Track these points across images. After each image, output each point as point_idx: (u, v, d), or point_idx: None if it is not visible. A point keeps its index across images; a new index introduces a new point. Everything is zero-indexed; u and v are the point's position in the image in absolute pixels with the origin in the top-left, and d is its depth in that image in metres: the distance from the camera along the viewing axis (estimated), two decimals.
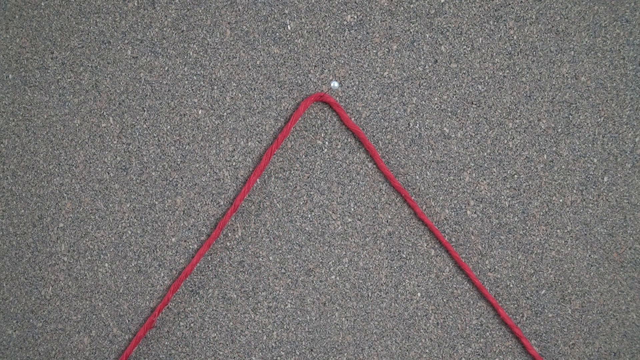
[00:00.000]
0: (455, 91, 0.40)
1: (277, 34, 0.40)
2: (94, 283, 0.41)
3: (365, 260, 0.41)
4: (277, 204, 0.41)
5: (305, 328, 0.41)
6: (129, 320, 0.41)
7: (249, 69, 0.40)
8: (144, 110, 0.41)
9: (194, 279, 0.41)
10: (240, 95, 0.41)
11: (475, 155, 0.41)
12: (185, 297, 0.41)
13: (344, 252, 0.41)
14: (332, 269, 0.41)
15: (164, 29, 0.40)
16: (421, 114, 0.41)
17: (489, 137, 0.41)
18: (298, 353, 0.41)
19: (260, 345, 0.41)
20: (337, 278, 0.41)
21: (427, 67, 0.40)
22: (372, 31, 0.40)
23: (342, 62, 0.40)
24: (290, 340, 0.41)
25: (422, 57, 0.40)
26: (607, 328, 0.41)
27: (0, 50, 0.41)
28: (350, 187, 0.41)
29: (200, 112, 0.41)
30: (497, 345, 0.41)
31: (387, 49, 0.40)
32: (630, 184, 0.41)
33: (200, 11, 0.40)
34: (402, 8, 0.40)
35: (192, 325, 0.41)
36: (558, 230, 0.41)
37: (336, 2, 0.40)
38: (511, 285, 0.41)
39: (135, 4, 0.40)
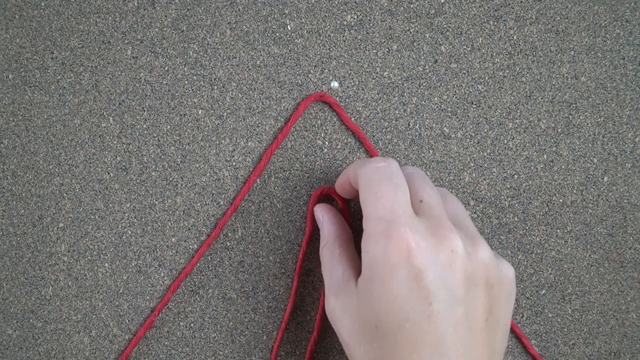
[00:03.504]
0: (455, 91, 0.40)
1: (277, 34, 0.40)
2: (94, 283, 0.41)
3: None
4: (277, 204, 0.41)
5: (305, 328, 0.41)
6: (129, 320, 0.41)
7: (249, 69, 0.40)
8: (144, 110, 0.41)
9: (194, 279, 0.41)
10: (240, 95, 0.41)
11: (475, 155, 0.41)
12: (185, 297, 0.41)
13: None
14: None
15: (164, 29, 0.40)
16: (421, 114, 0.41)
17: (489, 137, 0.41)
18: (298, 353, 0.41)
19: (260, 345, 0.41)
20: None
21: (427, 67, 0.40)
22: (372, 31, 0.40)
23: (342, 62, 0.40)
24: (290, 340, 0.41)
25: (422, 57, 0.40)
26: (607, 328, 0.41)
27: (0, 50, 0.41)
28: None
29: (200, 112, 0.41)
30: None
31: (387, 49, 0.40)
32: (630, 184, 0.41)
33: (200, 11, 0.40)
34: (402, 8, 0.40)
35: (192, 325, 0.41)
36: (558, 230, 0.41)
37: (336, 2, 0.40)
38: None
39: (135, 4, 0.40)
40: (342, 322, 0.32)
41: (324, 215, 0.37)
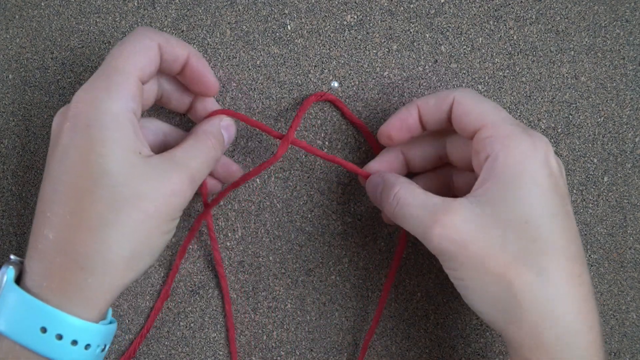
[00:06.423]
0: None
1: (277, 34, 0.40)
2: None
3: (365, 260, 0.41)
4: (277, 204, 0.41)
5: (305, 328, 0.41)
6: (129, 321, 0.41)
7: (249, 69, 0.40)
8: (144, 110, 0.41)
9: (193, 279, 0.41)
10: (240, 95, 0.41)
11: None
12: (185, 297, 0.41)
13: (344, 252, 0.41)
14: (332, 269, 0.41)
15: (164, 29, 0.40)
16: None
17: None
18: (298, 353, 0.41)
19: (260, 345, 0.41)
20: (337, 278, 0.41)
21: (427, 67, 0.40)
22: (372, 31, 0.40)
23: (342, 62, 0.40)
24: (290, 340, 0.41)
25: (422, 57, 0.40)
26: (607, 328, 0.41)
27: (0, 50, 0.41)
28: (350, 187, 0.41)
29: None
30: (497, 345, 0.41)
31: (387, 49, 0.40)
32: (630, 184, 0.41)
33: (200, 11, 0.40)
34: (402, 8, 0.40)
35: (192, 325, 0.41)
36: None
37: (336, 2, 0.40)
38: None
39: (135, 4, 0.40)
40: (467, 232, 0.31)
41: (384, 175, 0.36)
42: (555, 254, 0.30)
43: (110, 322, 0.33)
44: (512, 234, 0.30)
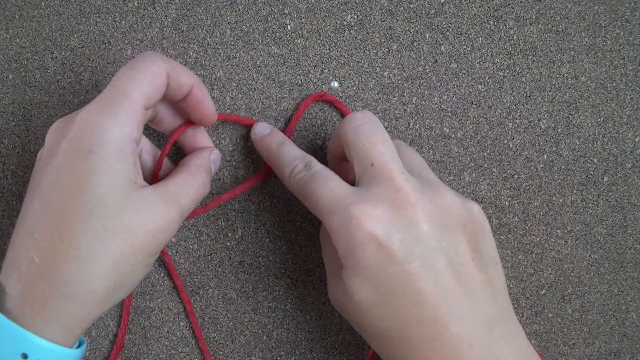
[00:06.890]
0: (455, 91, 0.40)
1: (277, 34, 0.40)
2: None
3: None
4: (277, 204, 0.41)
5: (305, 328, 0.41)
6: (129, 320, 0.41)
7: (249, 69, 0.40)
8: None
9: (194, 279, 0.41)
10: (240, 95, 0.41)
11: (475, 155, 0.41)
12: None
13: None
14: None
15: (164, 29, 0.40)
16: (421, 114, 0.41)
17: (489, 137, 0.41)
18: (298, 353, 0.41)
19: (260, 345, 0.41)
20: None
21: (427, 67, 0.40)
22: (372, 31, 0.40)
23: (342, 62, 0.40)
24: (290, 340, 0.41)
25: (422, 57, 0.40)
26: (607, 328, 0.41)
27: (0, 50, 0.41)
28: None
29: None
30: None
31: (387, 49, 0.40)
32: (630, 184, 0.41)
33: (200, 11, 0.40)
34: (402, 8, 0.40)
35: (191, 325, 0.41)
36: (558, 230, 0.41)
37: (336, 2, 0.40)
38: (511, 285, 0.41)
39: (135, 4, 0.40)
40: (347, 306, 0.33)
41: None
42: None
43: (80, 344, 0.33)
44: (379, 308, 0.31)
